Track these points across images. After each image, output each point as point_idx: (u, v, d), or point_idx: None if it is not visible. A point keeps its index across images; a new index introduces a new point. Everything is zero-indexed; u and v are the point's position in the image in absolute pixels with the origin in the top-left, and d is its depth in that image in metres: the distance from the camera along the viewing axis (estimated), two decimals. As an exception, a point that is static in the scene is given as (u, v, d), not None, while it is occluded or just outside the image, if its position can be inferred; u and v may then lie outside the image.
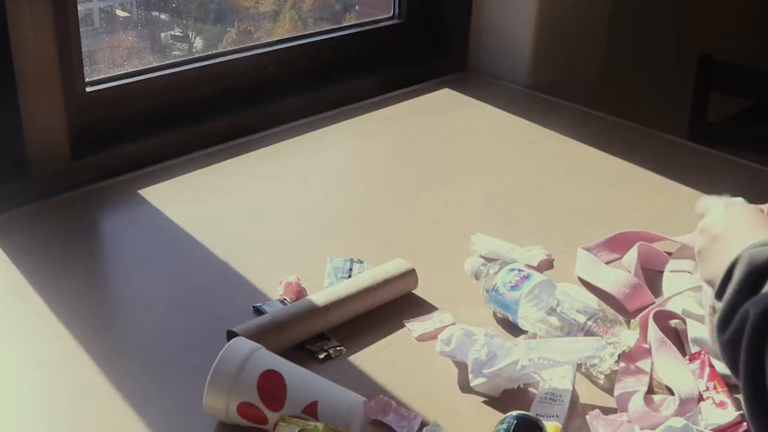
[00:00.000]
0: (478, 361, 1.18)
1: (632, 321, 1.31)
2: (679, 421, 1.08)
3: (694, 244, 1.16)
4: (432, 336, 1.30)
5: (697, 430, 1.07)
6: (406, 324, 1.35)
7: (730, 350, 0.86)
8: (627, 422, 1.12)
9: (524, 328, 1.31)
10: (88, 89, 1.76)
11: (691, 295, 1.33)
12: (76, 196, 1.69)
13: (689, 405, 1.15)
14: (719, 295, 0.94)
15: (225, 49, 2.09)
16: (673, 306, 1.33)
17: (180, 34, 2.29)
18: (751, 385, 0.82)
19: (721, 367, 1.16)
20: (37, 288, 1.40)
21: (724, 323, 0.88)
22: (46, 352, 1.27)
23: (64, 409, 1.17)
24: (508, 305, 1.32)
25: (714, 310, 0.95)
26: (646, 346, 1.26)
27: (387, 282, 1.38)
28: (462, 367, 1.23)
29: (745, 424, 1.08)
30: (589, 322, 1.25)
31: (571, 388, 1.18)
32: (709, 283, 1.04)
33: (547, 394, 1.18)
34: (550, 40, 2.37)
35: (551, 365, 1.18)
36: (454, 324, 1.33)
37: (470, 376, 1.19)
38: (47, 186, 1.67)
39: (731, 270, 0.93)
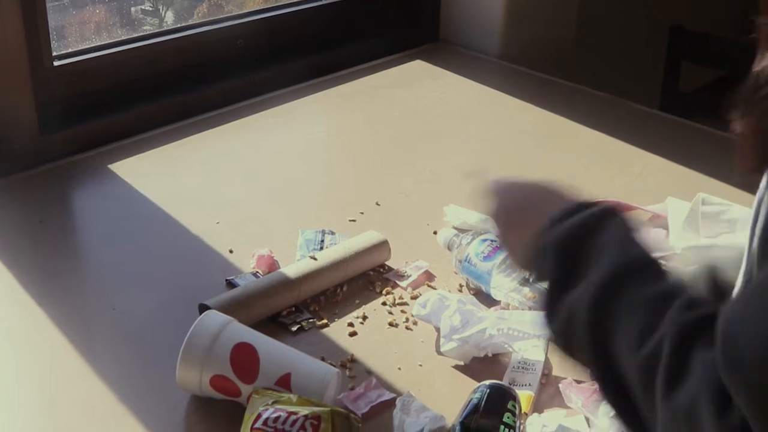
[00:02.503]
0: (451, 327, 1.19)
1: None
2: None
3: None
4: (420, 282, 1.36)
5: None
6: (392, 280, 1.38)
7: (562, 338, 0.83)
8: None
9: (497, 298, 1.31)
10: (55, 63, 1.74)
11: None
12: (46, 171, 1.68)
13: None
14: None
15: (194, 22, 2.07)
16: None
17: (150, 9, 2.26)
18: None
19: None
20: (7, 264, 1.39)
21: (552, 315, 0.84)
22: (18, 330, 1.27)
23: (38, 387, 1.16)
24: (480, 275, 1.33)
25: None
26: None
27: (360, 254, 1.38)
28: (436, 336, 1.23)
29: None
30: (562, 292, 1.26)
31: (543, 358, 1.19)
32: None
33: (519, 363, 1.18)
34: (521, 11, 2.37)
35: (523, 337, 1.19)
36: (427, 268, 1.38)
37: (442, 340, 1.19)
38: (16, 161, 1.66)
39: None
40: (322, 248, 1.43)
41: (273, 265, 1.38)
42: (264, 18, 2.15)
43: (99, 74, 1.83)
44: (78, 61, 1.80)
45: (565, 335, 0.83)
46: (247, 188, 1.66)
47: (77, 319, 1.28)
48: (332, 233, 1.47)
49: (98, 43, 1.87)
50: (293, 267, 1.33)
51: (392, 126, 1.95)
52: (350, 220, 1.53)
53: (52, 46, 1.72)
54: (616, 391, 0.77)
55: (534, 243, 0.88)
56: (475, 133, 1.93)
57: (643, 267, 0.81)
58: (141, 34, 1.95)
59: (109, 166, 1.70)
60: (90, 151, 1.75)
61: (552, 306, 0.84)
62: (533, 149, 1.86)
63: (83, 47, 1.84)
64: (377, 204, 1.60)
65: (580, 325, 0.80)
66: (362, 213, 1.57)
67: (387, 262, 1.42)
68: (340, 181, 1.71)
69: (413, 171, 1.74)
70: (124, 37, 1.92)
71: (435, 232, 1.48)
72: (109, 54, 1.85)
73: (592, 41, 2.73)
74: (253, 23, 2.12)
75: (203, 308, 1.22)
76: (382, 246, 1.41)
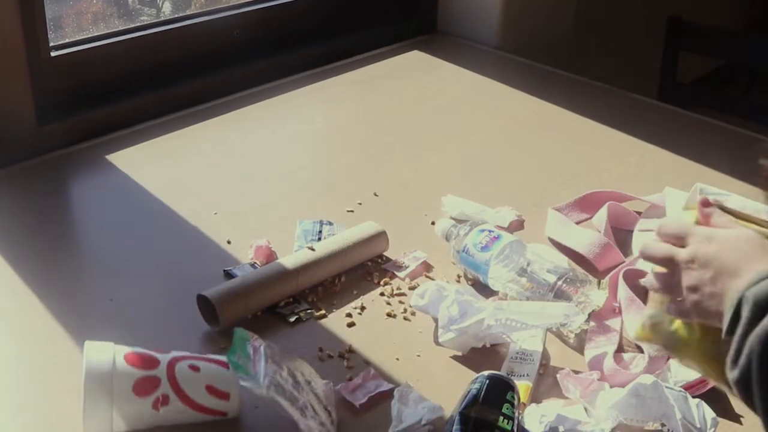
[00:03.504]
0: (449, 317, 1.19)
1: (602, 280, 1.32)
2: (648, 378, 1.08)
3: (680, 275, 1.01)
4: (418, 273, 1.36)
5: (666, 386, 1.08)
6: (390, 270, 1.38)
7: (742, 387, 0.88)
8: (597, 380, 1.13)
9: (495, 289, 1.31)
10: (53, 54, 1.74)
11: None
12: (43, 162, 1.67)
13: (658, 362, 1.16)
14: (729, 332, 0.91)
15: (191, 12, 2.06)
16: (643, 265, 1.34)
17: (147, -1, 2.26)
18: None
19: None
20: (5, 255, 1.38)
21: (733, 361, 0.89)
22: (16, 320, 1.26)
23: (36, 378, 1.16)
24: (478, 266, 1.33)
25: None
26: (616, 304, 1.27)
27: (358, 244, 1.38)
28: (434, 327, 1.23)
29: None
30: (559, 282, 1.26)
31: (541, 349, 1.19)
32: (702, 316, 0.99)
33: (517, 353, 1.18)
34: (519, 2, 2.36)
35: (521, 327, 1.19)
36: (425, 259, 1.39)
37: (440, 331, 1.19)
38: (13, 152, 1.65)
39: (738, 309, 0.90)
40: (320, 239, 1.43)
41: (271, 256, 1.38)
42: (261, 8, 2.15)
43: (96, 65, 1.83)
44: (75, 52, 1.79)
45: (743, 383, 0.87)
46: (244, 179, 1.66)
47: (75, 309, 1.28)
48: (330, 224, 1.47)
49: (95, 34, 1.86)
50: (291, 258, 1.33)
51: (390, 116, 1.95)
52: (348, 211, 1.53)
53: (49, 36, 1.72)
54: None
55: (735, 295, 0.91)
56: (473, 124, 1.92)
57: None
58: (138, 24, 1.95)
59: (107, 156, 1.69)
60: (88, 141, 1.74)
61: (736, 353, 0.88)
62: (531, 139, 1.86)
63: (80, 38, 1.83)
64: (375, 195, 1.60)
65: (753, 366, 0.85)
66: (360, 203, 1.57)
67: (385, 253, 1.42)
68: (338, 171, 1.71)
69: (411, 161, 1.74)
70: (121, 28, 1.91)
71: (433, 223, 1.48)
72: (106, 44, 1.84)
73: (590, 32, 2.73)
74: (249, 13, 2.11)
75: (201, 299, 1.23)
76: (380, 237, 1.41)
